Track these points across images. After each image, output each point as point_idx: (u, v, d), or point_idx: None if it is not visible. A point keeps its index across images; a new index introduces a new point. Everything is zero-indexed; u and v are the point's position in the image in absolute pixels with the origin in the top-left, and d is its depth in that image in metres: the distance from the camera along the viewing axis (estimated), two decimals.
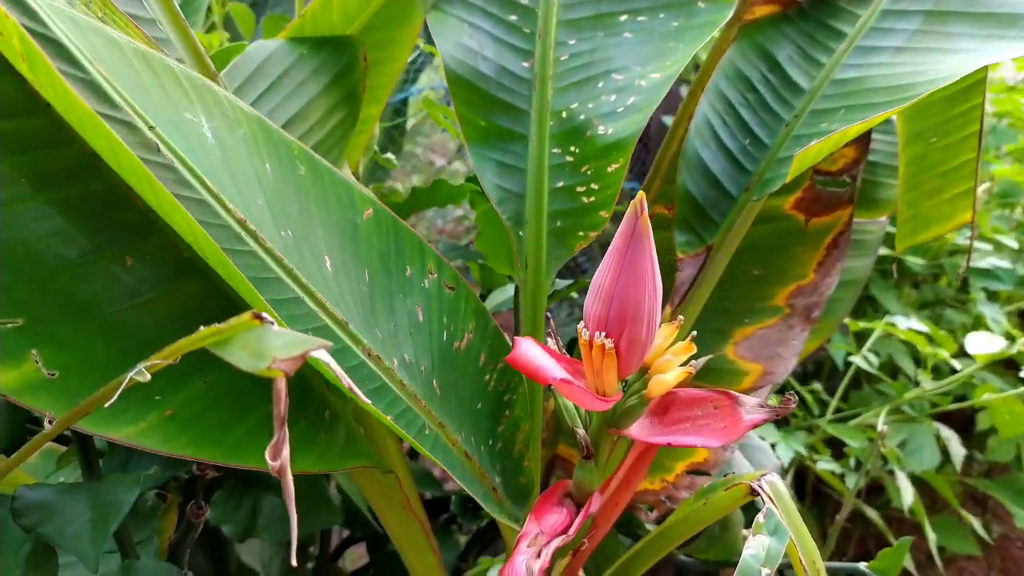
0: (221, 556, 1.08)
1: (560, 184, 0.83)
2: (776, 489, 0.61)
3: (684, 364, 0.70)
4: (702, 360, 0.74)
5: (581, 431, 0.72)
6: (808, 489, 1.57)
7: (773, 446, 1.43)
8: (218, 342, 0.38)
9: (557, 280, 1.15)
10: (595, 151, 0.80)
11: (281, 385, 0.37)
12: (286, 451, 0.38)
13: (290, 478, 0.38)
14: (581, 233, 0.83)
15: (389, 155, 1.18)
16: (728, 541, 1.01)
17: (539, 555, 0.60)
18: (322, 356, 0.36)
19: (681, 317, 0.70)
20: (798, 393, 1.60)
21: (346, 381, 0.36)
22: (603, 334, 0.66)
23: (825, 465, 1.38)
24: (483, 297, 1.19)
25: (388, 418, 0.58)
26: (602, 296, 0.66)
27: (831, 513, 1.50)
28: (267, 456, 0.37)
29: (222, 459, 0.52)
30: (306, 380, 0.62)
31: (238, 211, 0.54)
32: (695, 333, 0.69)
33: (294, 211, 0.62)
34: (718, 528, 1.07)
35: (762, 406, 0.69)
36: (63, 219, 0.48)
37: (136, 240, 0.51)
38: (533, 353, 0.64)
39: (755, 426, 0.69)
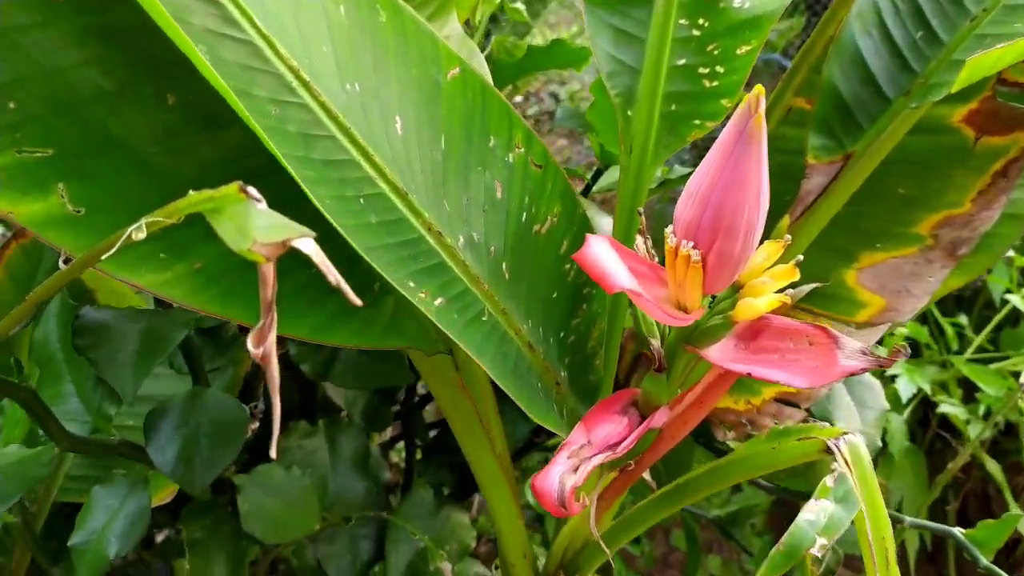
0: (309, 390, 1.12)
1: (682, 62, 0.73)
2: (855, 452, 0.53)
3: (783, 290, 0.61)
4: (805, 288, 0.65)
5: (655, 342, 0.66)
6: (930, 429, 1.45)
7: (894, 378, 1.32)
8: (211, 210, 0.35)
9: (677, 167, 1.05)
10: (727, 27, 0.69)
11: (267, 270, 0.33)
12: (271, 338, 0.34)
13: (275, 366, 0.35)
14: (697, 121, 0.74)
15: (519, 5, 1.08)
16: (811, 475, 0.94)
17: (576, 470, 0.56)
18: (305, 247, 0.31)
19: (789, 237, 0.61)
20: (938, 323, 1.44)
21: (333, 276, 0.32)
22: (691, 243, 0.58)
23: (950, 408, 1.26)
24: (599, 174, 1.11)
25: (434, 301, 0.55)
26: (696, 200, 0.57)
27: (949, 459, 1.38)
28: (249, 343, 0.34)
29: (247, 320, 0.50)
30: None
31: (291, 58, 0.49)
32: (801, 257, 0.60)
33: (367, 63, 0.57)
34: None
35: (865, 352, 0.60)
36: (101, 47, 0.46)
37: (180, 78, 0.48)
38: (602, 255, 0.57)
39: (851, 374, 0.60)
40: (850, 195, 0.75)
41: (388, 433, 1.35)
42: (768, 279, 0.61)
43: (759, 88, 0.54)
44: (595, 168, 1.12)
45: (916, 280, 0.76)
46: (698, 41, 0.71)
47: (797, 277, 0.60)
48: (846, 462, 0.52)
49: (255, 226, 0.31)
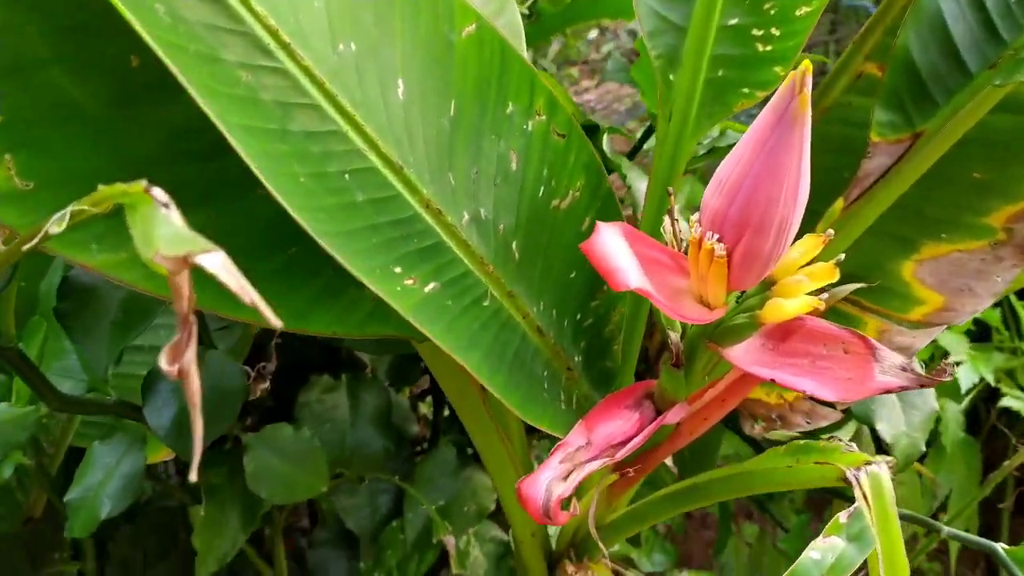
0: (335, 346, 1.10)
1: (733, 21, 0.65)
2: (877, 484, 0.48)
3: (822, 291, 0.55)
4: (846, 288, 0.58)
5: (674, 336, 0.60)
6: (989, 420, 1.35)
7: (958, 364, 1.23)
8: (128, 205, 0.31)
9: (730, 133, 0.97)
10: None
11: (180, 281, 0.29)
12: (190, 354, 0.31)
13: (194, 384, 0.31)
14: (745, 90, 0.66)
15: None
16: None
17: (567, 477, 0.52)
18: (210, 264, 0.27)
19: (831, 232, 0.54)
20: (1011, 306, 1.33)
21: (248, 296, 0.27)
22: (716, 236, 0.52)
23: (1014, 402, 1.16)
24: (650, 131, 1.04)
25: (425, 287, 0.50)
26: (725, 189, 0.51)
27: (1008, 453, 1.29)
28: (162, 359, 0.30)
29: (214, 308, 0.47)
30: None
31: (268, 16, 0.44)
32: (842, 257, 0.53)
33: (367, 19, 0.51)
34: None
35: (905, 369, 0.54)
36: (58, 3, 0.41)
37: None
38: (612, 246, 0.52)
39: (886, 391, 0.54)
40: (914, 181, 0.66)
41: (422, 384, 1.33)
42: (803, 278, 0.54)
43: (807, 63, 0.46)
44: (647, 124, 1.04)
45: (981, 278, 0.68)
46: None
47: (836, 278, 0.53)
48: (864, 496, 0.47)
49: (158, 235, 0.27)
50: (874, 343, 0.55)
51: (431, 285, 0.52)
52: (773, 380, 0.55)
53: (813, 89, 0.55)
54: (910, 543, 0.98)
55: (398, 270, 0.49)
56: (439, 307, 0.52)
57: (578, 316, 0.68)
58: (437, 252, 0.54)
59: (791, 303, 0.53)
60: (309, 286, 0.51)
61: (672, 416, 0.62)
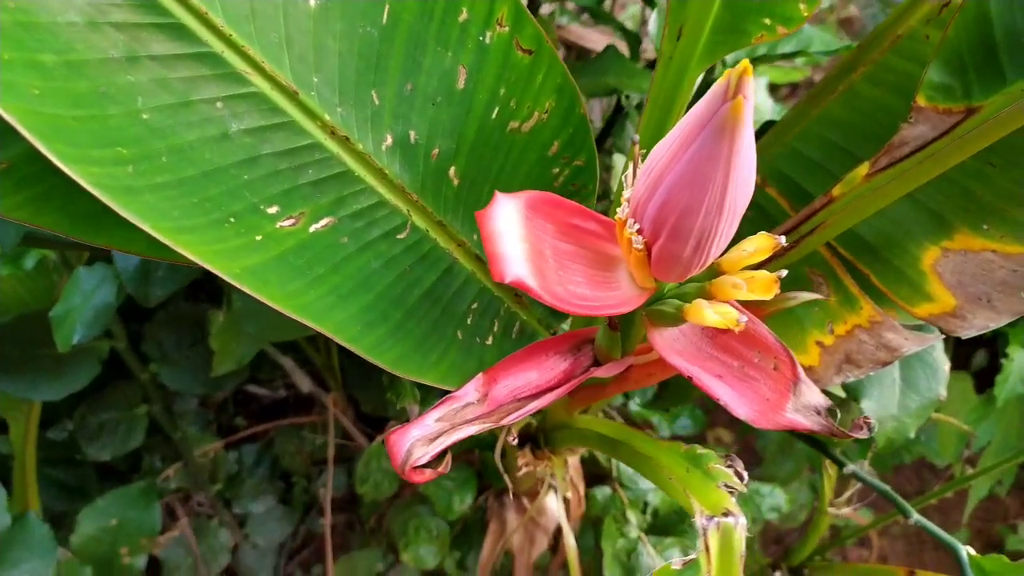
0: None
1: None
2: (727, 541, 0.44)
3: (763, 303, 0.48)
4: (787, 300, 0.50)
5: None
6: None
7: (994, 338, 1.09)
8: None
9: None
10: None
11: None
12: None
13: None
14: (767, 20, 0.54)
15: None
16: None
17: (433, 441, 0.50)
18: None
19: (783, 238, 0.46)
20: None
21: None
22: (636, 226, 0.45)
23: None
24: (613, 118, 0.88)
25: (314, 224, 0.47)
26: (649, 179, 0.44)
27: None
28: None
29: (62, 229, 0.45)
30: None
31: None
32: (784, 273, 0.46)
33: None
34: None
35: (819, 412, 0.47)
36: None
37: None
38: (501, 225, 0.46)
39: (789, 429, 0.48)
40: (955, 164, 0.54)
41: None
42: (742, 283, 0.47)
43: (744, 64, 0.36)
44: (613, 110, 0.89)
45: (1006, 292, 0.57)
46: None
47: (772, 295, 0.46)
48: (707, 549, 0.43)
49: None
50: (800, 374, 0.48)
51: (323, 221, 0.49)
52: (689, 377, 0.51)
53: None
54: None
55: (273, 210, 0.46)
56: (329, 247, 0.49)
57: None
58: (341, 183, 0.50)
59: (711, 313, 0.46)
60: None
61: (604, 371, 0.59)
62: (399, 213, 0.53)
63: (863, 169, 0.58)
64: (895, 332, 0.61)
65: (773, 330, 0.54)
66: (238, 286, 0.42)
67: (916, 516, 0.76)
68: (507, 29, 0.53)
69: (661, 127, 0.61)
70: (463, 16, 0.52)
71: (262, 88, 0.45)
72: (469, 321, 0.59)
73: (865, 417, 0.45)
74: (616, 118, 1.06)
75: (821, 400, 0.47)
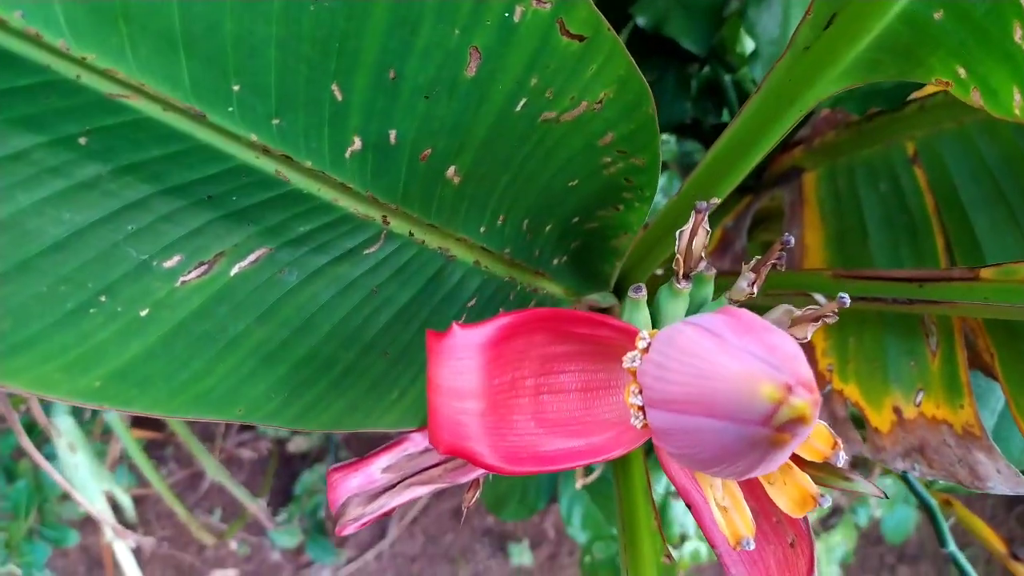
0: None
1: None
2: None
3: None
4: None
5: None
6: None
7: None
8: None
9: None
10: None
11: None
12: None
13: None
14: (959, 69, 0.34)
15: None
16: None
17: (372, 501, 0.43)
18: None
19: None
20: None
21: None
22: (640, 398, 0.33)
23: None
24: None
25: (228, 272, 0.36)
26: (666, 378, 0.31)
27: None
28: None
29: None
30: None
31: None
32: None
33: None
34: None
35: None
36: None
37: None
38: (459, 366, 0.33)
39: None
40: None
41: None
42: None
43: (803, 409, 0.21)
44: None
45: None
46: None
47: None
48: None
49: None
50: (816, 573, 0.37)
51: (254, 255, 0.37)
52: (691, 505, 0.41)
53: None
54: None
55: (172, 262, 0.35)
56: (258, 289, 0.38)
57: (575, 219, 0.49)
58: (281, 205, 0.37)
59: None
60: None
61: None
62: (371, 224, 0.41)
63: None
64: (991, 458, 0.47)
65: (856, 370, 0.44)
66: (94, 407, 0.33)
67: (952, 548, 0.68)
68: (548, 7, 0.35)
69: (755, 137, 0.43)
70: None
71: (148, 112, 0.32)
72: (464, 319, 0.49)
73: None
74: None
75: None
